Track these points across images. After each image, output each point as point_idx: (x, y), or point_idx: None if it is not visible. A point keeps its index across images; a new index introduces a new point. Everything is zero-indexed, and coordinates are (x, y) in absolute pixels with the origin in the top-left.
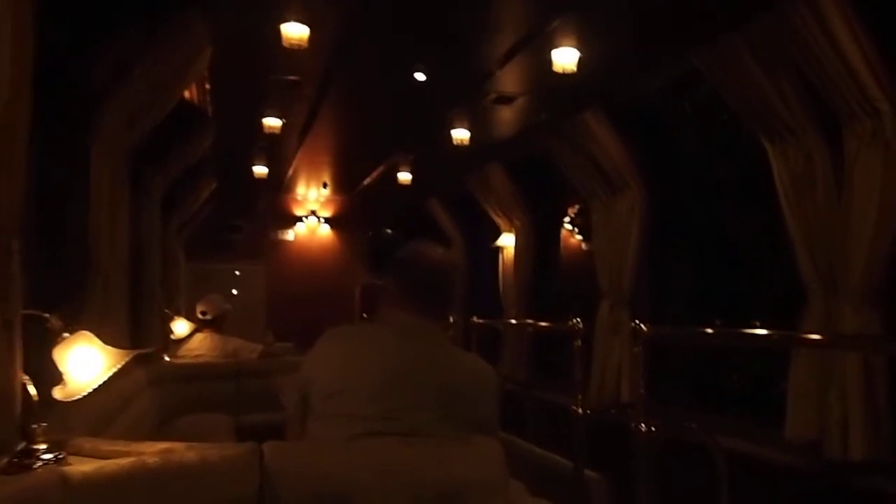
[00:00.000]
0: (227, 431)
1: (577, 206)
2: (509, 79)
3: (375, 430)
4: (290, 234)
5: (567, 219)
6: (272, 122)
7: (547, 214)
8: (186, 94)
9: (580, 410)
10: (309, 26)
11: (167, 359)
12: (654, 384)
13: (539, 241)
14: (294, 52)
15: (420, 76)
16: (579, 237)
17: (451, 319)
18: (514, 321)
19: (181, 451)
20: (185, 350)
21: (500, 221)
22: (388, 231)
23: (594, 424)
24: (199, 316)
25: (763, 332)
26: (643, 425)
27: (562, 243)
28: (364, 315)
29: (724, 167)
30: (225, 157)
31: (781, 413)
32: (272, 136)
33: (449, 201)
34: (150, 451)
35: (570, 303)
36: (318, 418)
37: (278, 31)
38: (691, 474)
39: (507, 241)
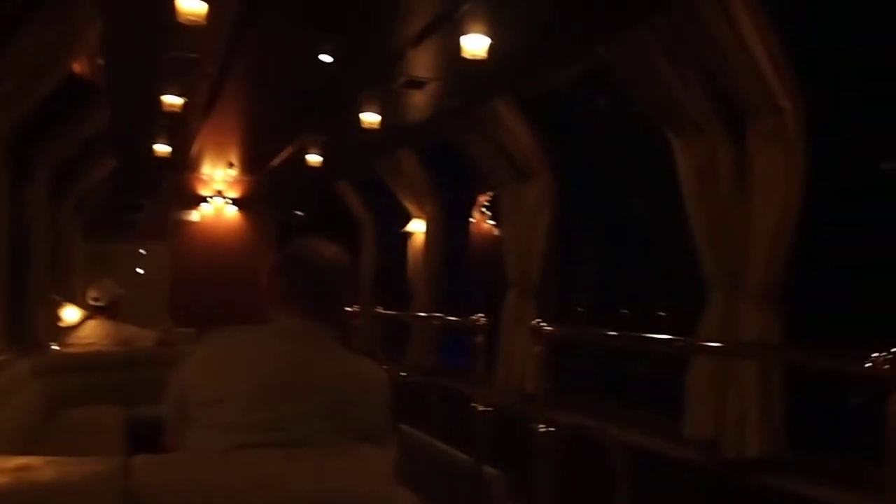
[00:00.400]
0: (117, 424)
1: (492, 193)
2: (419, 63)
3: (256, 442)
4: (194, 215)
5: (484, 205)
6: (172, 101)
7: (458, 201)
8: (77, 68)
9: (480, 408)
10: (207, 2)
11: (55, 347)
12: (560, 372)
13: (450, 227)
14: (192, 28)
15: (326, 58)
16: (492, 223)
17: (351, 315)
18: (421, 314)
19: (39, 467)
20: (75, 338)
21: (410, 207)
22: (299, 213)
23: (497, 419)
24: (91, 302)
25: (665, 337)
26: (543, 426)
27: (473, 230)
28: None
29: (634, 159)
30: (123, 135)
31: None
32: (173, 115)
33: (360, 184)
34: (4, 468)
35: (481, 291)
36: (196, 428)
37: (173, 6)
38: (592, 471)
39: (417, 226)
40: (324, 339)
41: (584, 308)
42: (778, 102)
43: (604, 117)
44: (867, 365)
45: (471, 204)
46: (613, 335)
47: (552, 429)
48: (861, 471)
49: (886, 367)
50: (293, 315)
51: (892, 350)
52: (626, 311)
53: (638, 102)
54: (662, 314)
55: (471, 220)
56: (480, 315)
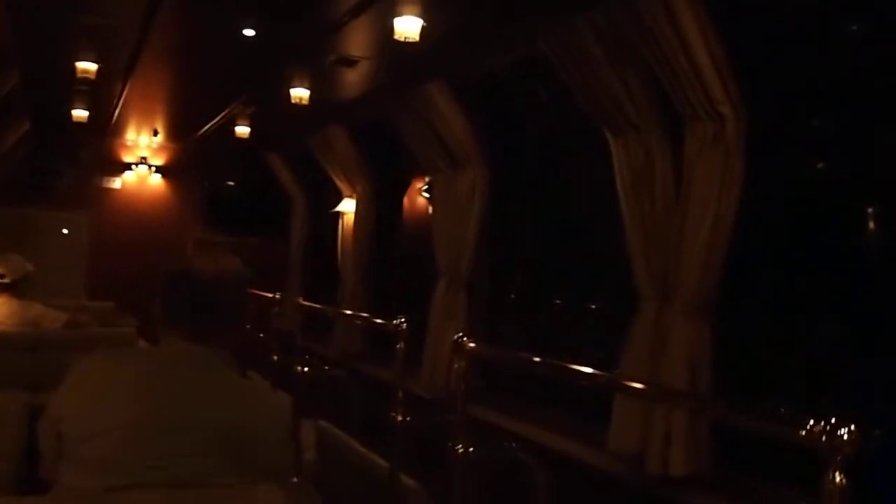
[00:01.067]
0: (19, 412)
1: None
2: (351, 42)
3: (136, 482)
4: (117, 182)
5: (424, 186)
6: (86, 66)
7: (392, 182)
8: None
9: (399, 418)
10: None
11: None
12: (489, 369)
13: (382, 209)
14: None
15: (249, 32)
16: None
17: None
18: (346, 311)
19: None
20: None
21: (341, 185)
22: (230, 183)
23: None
24: None
25: (588, 371)
26: (460, 446)
27: (406, 213)
28: None
29: (574, 153)
30: (35, 98)
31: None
32: (88, 80)
33: (292, 159)
34: None
35: (414, 277)
36: (72, 463)
37: None
38: (512, 484)
39: (347, 206)
40: (213, 364)
41: (516, 296)
42: (718, 109)
43: (545, 110)
44: (802, 433)
45: (406, 186)
46: (537, 361)
47: (471, 449)
48: (784, 495)
49: (823, 438)
50: (177, 338)
51: (832, 420)
52: (559, 301)
53: (576, 97)
54: (593, 307)
55: (404, 201)
56: (401, 319)
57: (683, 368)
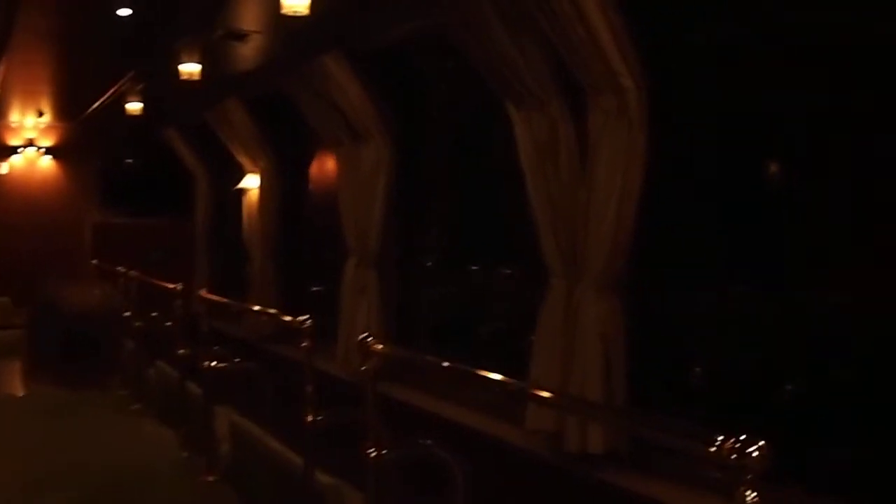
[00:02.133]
0: None
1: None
2: (239, 16)
3: None
4: (3, 167)
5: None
6: None
7: (298, 155)
8: None
9: (310, 418)
10: None
11: None
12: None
13: (288, 182)
14: None
15: (125, 11)
16: None
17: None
18: (254, 307)
19: None
20: None
21: (243, 161)
22: (129, 161)
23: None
24: None
25: (498, 378)
26: (373, 449)
27: (316, 184)
28: (94, 261)
29: (482, 123)
30: None
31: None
32: None
33: (191, 134)
34: None
35: (325, 249)
36: None
37: None
38: (430, 478)
39: (251, 182)
40: (93, 414)
41: (432, 265)
42: (620, 81)
43: (454, 79)
44: (712, 449)
45: (312, 159)
46: (446, 365)
47: (384, 451)
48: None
49: (734, 456)
50: (46, 385)
51: (741, 437)
52: (475, 267)
53: (477, 68)
54: (508, 272)
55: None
56: (306, 317)
57: (596, 345)
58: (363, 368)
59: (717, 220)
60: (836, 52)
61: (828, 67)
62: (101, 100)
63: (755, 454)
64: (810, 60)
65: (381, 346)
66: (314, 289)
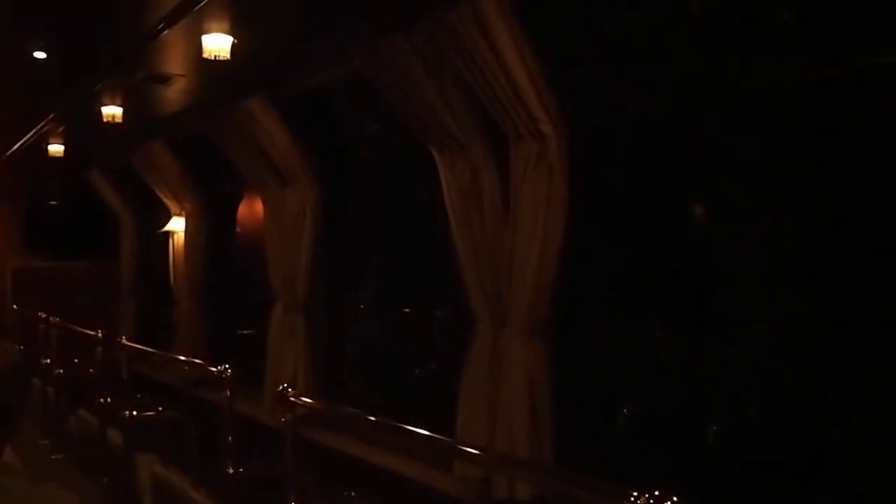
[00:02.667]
0: None
1: None
2: (160, 59)
3: None
4: None
5: None
6: None
7: (224, 198)
8: None
9: (231, 470)
10: None
11: None
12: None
13: (215, 224)
14: None
15: (40, 54)
16: None
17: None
18: (179, 357)
19: None
20: None
21: (169, 203)
22: (52, 203)
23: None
24: None
25: (425, 433)
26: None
27: (244, 225)
28: (15, 306)
29: (409, 167)
30: None
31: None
32: None
33: (115, 176)
34: None
35: (250, 296)
36: None
37: None
38: None
39: (177, 225)
40: None
41: (364, 307)
42: (539, 127)
43: (378, 124)
44: None
45: (239, 200)
46: (373, 420)
47: None
48: None
49: None
50: None
51: (656, 493)
52: (408, 310)
53: (399, 114)
54: (441, 313)
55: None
56: (225, 367)
57: (522, 389)
58: (283, 420)
59: (638, 263)
60: (753, 97)
61: (745, 112)
62: (22, 141)
63: None
64: (728, 105)
65: (300, 398)
66: (244, 332)
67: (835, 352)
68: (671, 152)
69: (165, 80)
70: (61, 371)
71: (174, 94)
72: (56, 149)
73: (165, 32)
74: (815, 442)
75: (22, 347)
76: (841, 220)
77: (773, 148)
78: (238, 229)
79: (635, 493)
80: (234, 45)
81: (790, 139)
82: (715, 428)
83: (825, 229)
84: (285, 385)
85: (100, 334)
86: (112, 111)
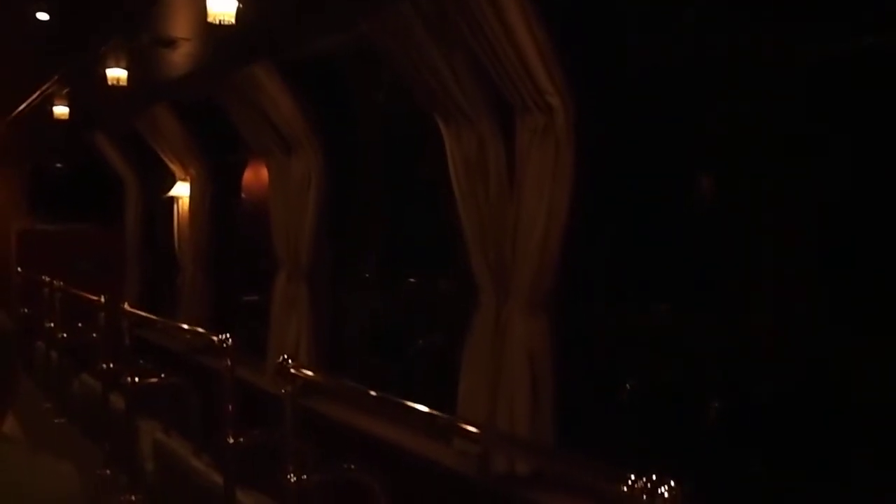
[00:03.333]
0: None
1: None
2: (166, 23)
3: None
4: None
5: None
6: None
7: (229, 164)
8: None
9: (231, 439)
10: None
11: None
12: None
13: (220, 190)
14: None
15: (43, 16)
16: None
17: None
18: (183, 325)
19: None
20: None
21: (174, 168)
22: (58, 166)
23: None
24: None
25: (426, 410)
26: (292, 475)
27: (249, 191)
28: (20, 269)
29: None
30: None
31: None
32: None
33: (120, 139)
34: None
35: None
36: None
37: None
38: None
39: (181, 190)
40: None
41: (371, 275)
42: (547, 100)
43: (384, 91)
44: (624, 488)
45: (244, 166)
46: (373, 395)
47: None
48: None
49: (644, 497)
50: None
51: (652, 476)
52: (412, 279)
53: (405, 82)
54: (445, 283)
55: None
56: (226, 336)
57: (524, 362)
58: (283, 391)
59: (644, 237)
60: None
61: (752, 86)
62: (27, 102)
63: (666, 495)
64: (735, 80)
65: (300, 370)
66: (248, 299)
67: (840, 330)
68: (678, 127)
69: (170, 43)
70: (65, 335)
71: (179, 58)
72: (61, 111)
73: None
74: (819, 424)
75: (26, 310)
76: (851, 196)
77: (781, 123)
78: (243, 195)
79: (633, 477)
80: (239, 10)
81: (800, 114)
82: (717, 406)
83: (833, 206)
84: (285, 356)
85: (103, 300)
86: (117, 74)
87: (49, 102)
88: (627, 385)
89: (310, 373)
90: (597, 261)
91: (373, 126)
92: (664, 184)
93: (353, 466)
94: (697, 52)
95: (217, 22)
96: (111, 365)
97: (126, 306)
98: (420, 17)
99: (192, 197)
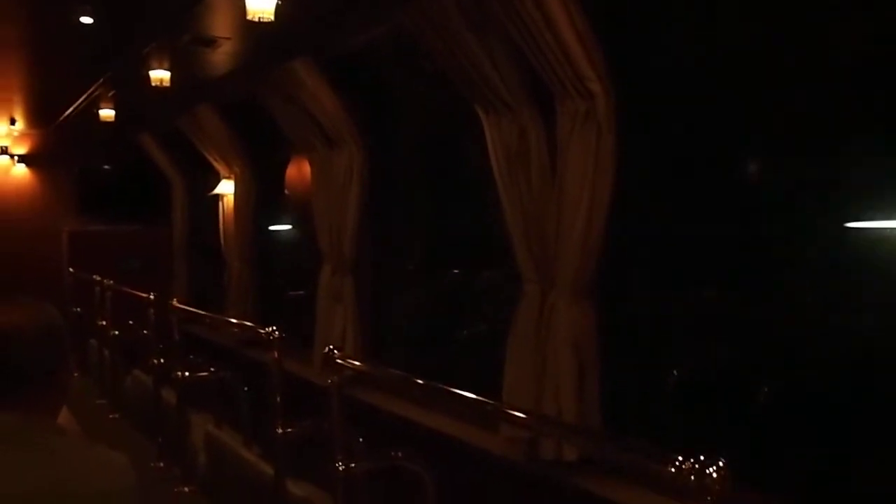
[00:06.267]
0: None
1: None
2: (205, 22)
3: None
4: None
5: None
6: None
7: (273, 161)
8: None
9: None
10: None
11: None
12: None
13: (264, 187)
14: None
15: (87, 19)
16: None
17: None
18: (230, 318)
19: None
20: None
21: (218, 166)
22: (105, 167)
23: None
24: None
25: (471, 396)
26: (340, 464)
27: (294, 188)
28: (71, 269)
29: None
30: None
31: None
32: None
33: (165, 140)
34: None
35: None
36: None
37: None
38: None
39: (226, 188)
40: (23, 436)
41: (414, 268)
42: (587, 86)
43: (425, 84)
44: (671, 469)
45: (287, 163)
46: (419, 383)
47: (353, 465)
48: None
49: (692, 478)
50: None
51: (701, 458)
52: (456, 271)
53: (446, 73)
54: (489, 275)
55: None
56: (273, 328)
57: (569, 351)
58: (329, 382)
59: (689, 223)
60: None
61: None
62: (74, 106)
63: (714, 475)
64: (779, 64)
65: (347, 360)
66: (294, 293)
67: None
68: (723, 111)
69: (211, 43)
70: (116, 332)
71: (220, 57)
72: (107, 113)
73: None
74: (871, 409)
75: (78, 310)
76: None
77: (830, 107)
78: (286, 191)
79: (680, 458)
80: (277, 7)
81: (850, 98)
82: (766, 391)
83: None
84: (331, 347)
85: (152, 297)
86: (160, 75)
87: (95, 105)
88: (674, 371)
89: (356, 363)
90: (641, 247)
91: (413, 118)
92: (708, 168)
93: (400, 454)
94: (744, 34)
95: (256, 19)
96: (162, 360)
97: (175, 302)
98: (458, 7)
99: (236, 194)
